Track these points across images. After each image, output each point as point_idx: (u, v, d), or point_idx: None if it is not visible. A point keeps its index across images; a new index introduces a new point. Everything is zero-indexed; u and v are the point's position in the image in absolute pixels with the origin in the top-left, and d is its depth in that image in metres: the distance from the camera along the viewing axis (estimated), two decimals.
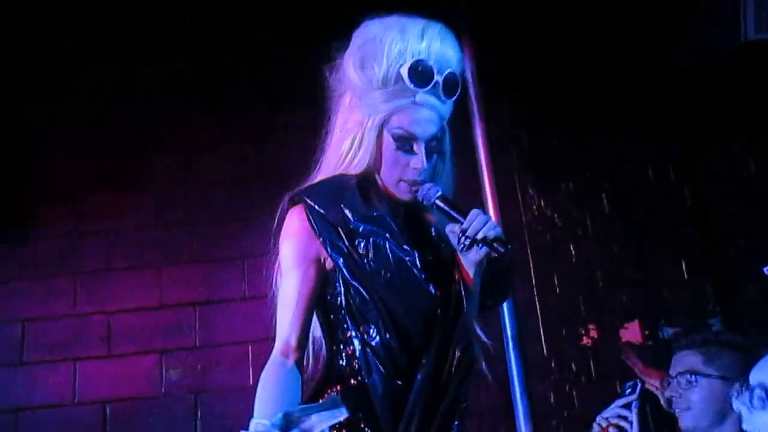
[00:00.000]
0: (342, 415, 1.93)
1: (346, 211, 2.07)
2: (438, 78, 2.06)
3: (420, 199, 2.09)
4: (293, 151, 3.70)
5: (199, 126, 4.27)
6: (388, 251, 2.05)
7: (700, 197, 4.28)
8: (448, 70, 2.08)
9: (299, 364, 2.05)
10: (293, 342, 2.04)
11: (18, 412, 3.94)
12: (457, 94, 2.13)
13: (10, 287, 4.09)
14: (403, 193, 2.12)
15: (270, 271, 2.19)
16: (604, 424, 2.58)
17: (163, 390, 3.99)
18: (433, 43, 2.06)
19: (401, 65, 2.03)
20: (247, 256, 4.03)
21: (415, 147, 2.07)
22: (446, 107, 2.13)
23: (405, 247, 2.06)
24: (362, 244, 2.05)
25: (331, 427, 1.93)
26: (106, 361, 4.02)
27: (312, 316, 2.11)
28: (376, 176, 2.14)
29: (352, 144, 2.12)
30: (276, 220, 2.15)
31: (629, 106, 4.25)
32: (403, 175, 2.10)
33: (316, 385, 2.11)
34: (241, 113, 4.25)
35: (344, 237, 2.05)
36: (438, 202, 2.05)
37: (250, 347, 3.97)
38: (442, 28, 2.11)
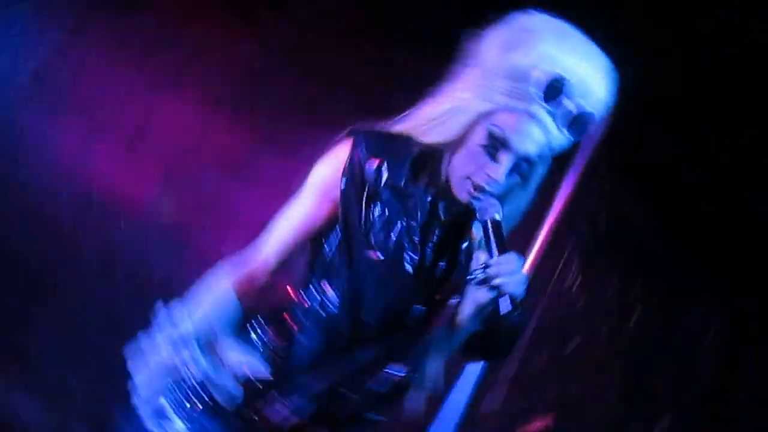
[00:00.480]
0: (261, 374, 1.83)
1: (384, 171, 1.92)
2: (569, 105, 1.84)
3: (475, 208, 1.89)
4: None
5: None
6: (395, 235, 1.91)
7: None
8: (587, 107, 1.86)
9: (261, 290, 1.97)
10: (271, 264, 1.96)
11: None
12: (582, 136, 1.91)
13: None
14: (460, 192, 1.90)
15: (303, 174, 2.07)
16: None
17: (151, 208, 3.93)
18: (587, 71, 1.85)
19: (540, 69, 1.82)
20: (306, 140, 3.92)
21: (502, 155, 1.85)
22: (560, 140, 1.89)
23: (416, 239, 1.92)
24: (376, 212, 1.91)
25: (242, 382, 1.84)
26: (123, 153, 3.97)
27: (301, 251, 2.00)
28: (445, 158, 1.94)
29: (445, 113, 1.91)
30: (336, 139, 2.02)
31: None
32: (473, 175, 1.88)
33: (264, 307, 2.01)
34: None
35: (365, 194, 1.92)
36: (489, 223, 1.84)
37: (250, 223, 3.90)
38: (609, 66, 1.90)
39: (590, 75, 1.85)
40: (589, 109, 1.86)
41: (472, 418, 3.86)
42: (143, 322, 1.88)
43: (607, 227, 4.17)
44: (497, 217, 1.84)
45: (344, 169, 1.94)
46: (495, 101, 1.84)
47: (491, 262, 1.78)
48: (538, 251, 3.83)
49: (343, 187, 1.93)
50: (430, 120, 1.94)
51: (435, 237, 1.95)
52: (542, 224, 3.85)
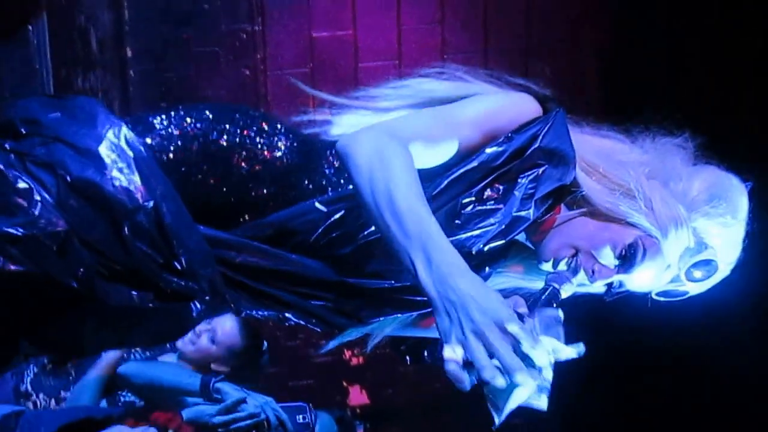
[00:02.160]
0: None
1: (539, 172, 1.65)
2: (694, 285, 1.73)
3: (550, 270, 1.69)
4: None
5: None
6: (487, 220, 1.64)
7: None
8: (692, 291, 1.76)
9: None
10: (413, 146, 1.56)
11: None
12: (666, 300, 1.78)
13: None
14: (552, 249, 1.69)
15: None
16: None
17: None
18: (725, 273, 1.74)
19: (713, 252, 1.68)
20: None
21: (619, 267, 1.69)
22: (666, 291, 1.77)
23: (484, 238, 1.63)
24: (496, 190, 1.66)
25: None
26: None
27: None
28: (578, 207, 1.70)
29: (621, 184, 1.68)
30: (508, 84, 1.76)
31: None
32: (582, 252, 1.68)
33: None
34: None
35: (513, 165, 1.65)
36: (553, 289, 1.62)
37: None
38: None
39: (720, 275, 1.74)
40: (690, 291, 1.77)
41: None
42: None
43: None
44: (562, 293, 1.64)
45: (525, 124, 1.68)
46: (663, 230, 1.67)
47: (529, 320, 1.53)
48: None
49: (508, 135, 1.67)
50: (608, 164, 1.71)
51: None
52: None
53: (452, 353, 1.27)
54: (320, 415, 3.17)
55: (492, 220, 1.63)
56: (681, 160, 1.74)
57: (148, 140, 1.58)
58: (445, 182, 1.62)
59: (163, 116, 1.63)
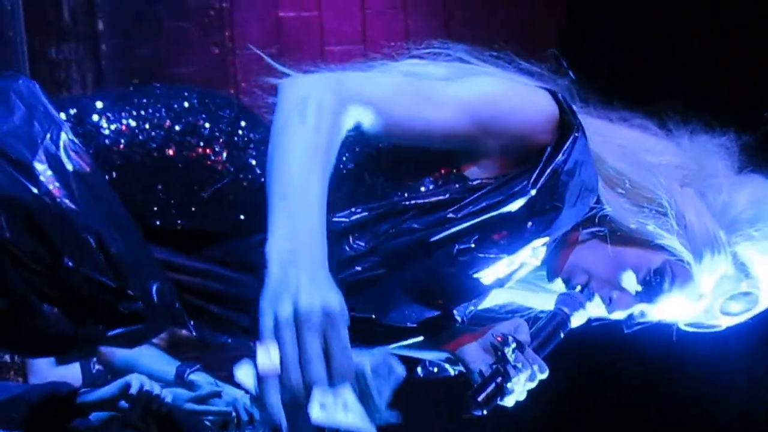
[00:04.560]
0: None
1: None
2: (730, 315, 1.55)
3: (561, 290, 1.52)
4: None
5: None
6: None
7: None
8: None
9: None
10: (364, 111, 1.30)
11: None
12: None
13: None
14: (560, 269, 1.51)
15: None
16: None
17: None
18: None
19: (759, 288, 1.50)
20: None
21: (642, 295, 1.49)
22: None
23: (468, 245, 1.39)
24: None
25: None
26: None
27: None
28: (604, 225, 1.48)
29: (646, 184, 1.46)
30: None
31: None
32: (594, 278, 1.49)
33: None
34: None
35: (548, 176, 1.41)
36: (562, 315, 1.47)
37: None
38: None
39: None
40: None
41: None
42: None
43: None
44: (571, 320, 1.47)
45: (555, 128, 1.41)
46: (697, 255, 1.45)
47: (530, 350, 1.42)
48: None
49: (551, 147, 1.40)
50: (635, 171, 1.47)
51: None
52: None
53: (266, 358, 1.04)
54: None
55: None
56: (723, 166, 1.52)
57: (93, 148, 1.32)
58: (449, 215, 1.38)
59: (112, 113, 1.36)
